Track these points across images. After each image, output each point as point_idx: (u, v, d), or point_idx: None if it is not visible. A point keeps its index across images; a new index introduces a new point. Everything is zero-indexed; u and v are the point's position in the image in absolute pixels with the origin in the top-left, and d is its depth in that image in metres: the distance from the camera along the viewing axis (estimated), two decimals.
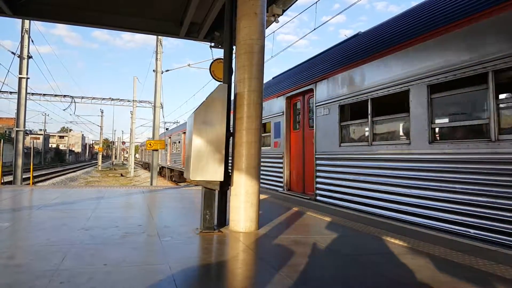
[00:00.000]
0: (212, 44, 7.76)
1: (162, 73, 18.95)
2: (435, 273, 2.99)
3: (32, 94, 33.41)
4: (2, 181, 12.32)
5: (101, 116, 57.47)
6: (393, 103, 6.30)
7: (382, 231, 4.60)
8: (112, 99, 37.82)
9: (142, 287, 2.52)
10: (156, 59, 18.92)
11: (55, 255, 3.19)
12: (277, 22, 6.85)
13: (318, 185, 8.04)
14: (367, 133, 6.65)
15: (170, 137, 30.53)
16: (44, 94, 34.81)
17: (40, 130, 72.75)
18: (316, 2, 10.68)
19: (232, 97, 4.75)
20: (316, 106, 8.21)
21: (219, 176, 4.26)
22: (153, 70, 19.01)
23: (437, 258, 3.45)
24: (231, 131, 4.62)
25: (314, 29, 11.29)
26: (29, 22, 15.35)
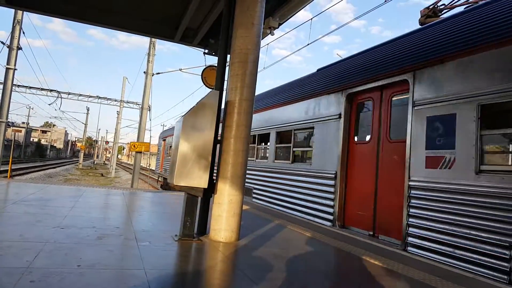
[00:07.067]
0: (206, 50, 7.75)
1: (152, 75, 18.82)
2: None
3: (18, 86, 32.59)
4: None
5: (87, 113, 56.52)
6: (306, 134, 8.39)
7: (362, 251, 4.60)
8: (99, 98, 37.26)
9: None
10: (148, 61, 18.76)
11: (27, 252, 3.08)
12: (273, 35, 6.88)
13: (255, 191, 10.18)
14: (290, 155, 8.81)
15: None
16: (30, 87, 33.89)
17: (23, 123, 71.22)
18: (312, 18, 10.84)
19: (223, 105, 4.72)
20: None
21: (204, 183, 4.20)
22: (144, 72, 18.85)
23: (415, 281, 3.46)
24: (219, 139, 4.58)
25: (308, 44, 11.43)
26: (22, 13, 15.10)
